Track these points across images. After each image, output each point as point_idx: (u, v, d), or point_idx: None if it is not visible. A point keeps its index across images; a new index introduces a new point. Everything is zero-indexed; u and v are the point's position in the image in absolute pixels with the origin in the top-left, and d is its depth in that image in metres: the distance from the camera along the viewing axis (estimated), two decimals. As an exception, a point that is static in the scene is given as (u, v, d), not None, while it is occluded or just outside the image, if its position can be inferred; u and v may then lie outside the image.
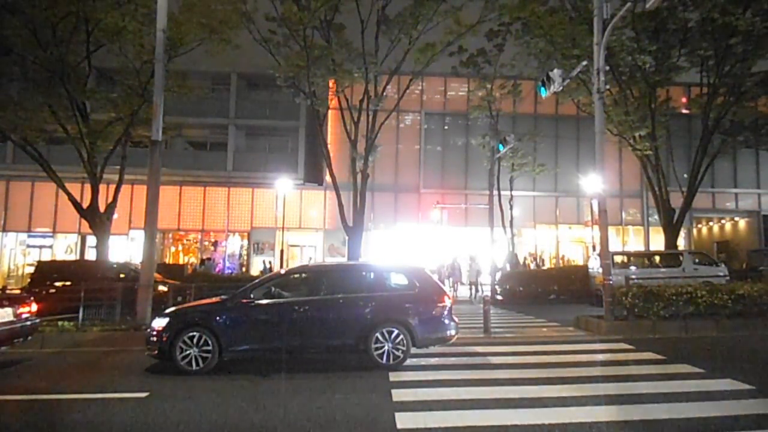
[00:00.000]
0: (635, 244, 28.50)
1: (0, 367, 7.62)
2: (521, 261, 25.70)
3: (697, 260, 17.21)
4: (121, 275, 13.85)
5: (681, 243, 24.02)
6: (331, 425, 4.99)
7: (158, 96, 11.00)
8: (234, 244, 27.81)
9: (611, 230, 20.26)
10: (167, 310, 7.87)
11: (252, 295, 7.57)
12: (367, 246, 23.34)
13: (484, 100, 22.52)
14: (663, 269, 17.05)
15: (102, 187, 17.19)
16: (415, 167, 28.22)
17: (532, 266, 26.61)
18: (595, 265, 16.97)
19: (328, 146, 19.88)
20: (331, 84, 18.65)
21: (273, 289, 7.78)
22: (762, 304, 10.67)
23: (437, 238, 26.12)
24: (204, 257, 25.65)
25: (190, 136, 30.12)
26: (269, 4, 17.38)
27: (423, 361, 7.77)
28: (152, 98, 11.35)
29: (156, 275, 11.77)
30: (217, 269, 24.96)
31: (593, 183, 16.46)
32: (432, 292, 7.88)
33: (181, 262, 26.83)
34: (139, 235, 20.97)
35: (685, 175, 20.54)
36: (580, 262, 26.27)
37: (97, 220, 16.72)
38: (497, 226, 21.68)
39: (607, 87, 12.47)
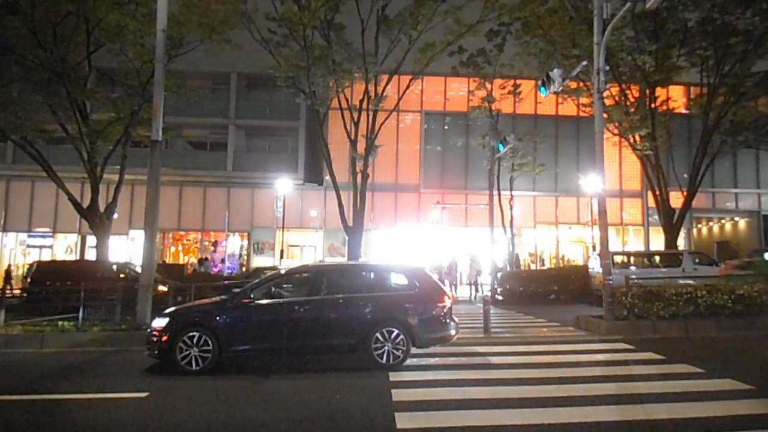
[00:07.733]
0: (635, 244, 28.47)
1: (0, 367, 7.62)
2: (521, 261, 25.73)
3: (697, 260, 17.22)
4: (121, 275, 13.88)
5: (681, 243, 23.99)
6: (331, 425, 4.99)
7: (158, 96, 11.00)
8: (234, 244, 27.80)
9: (611, 230, 20.25)
10: (167, 310, 7.87)
11: (252, 295, 7.57)
12: (367, 246, 23.33)
13: (484, 100, 22.51)
14: (663, 269, 17.06)
15: (102, 187, 17.21)
16: (415, 167, 28.19)
17: (532, 267, 26.64)
18: (595, 265, 16.96)
19: (328, 146, 19.85)
20: (331, 84, 18.65)
21: (273, 289, 7.78)
22: (762, 304, 10.67)
23: (437, 238, 26.11)
24: (203, 257, 25.64)
25: (190, 136, 30.07)
26: (269, 4, 17.43)
27: (423, 361, 7.76)
28: (152, 98, 11.35)
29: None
30: (217, 269, 24.96)
31: (593, 183, 16.45)
32: (432, 292, 7.88)
33: (181, 262, 26.82)
34: (139, 235, 20.97)
35: (685, 175, 20.53)
36: (580, 262, 26.26)
37: (97, 220, 16.74)
38: (497, 226, 21.66)
39: (607, 87, 12.46)
